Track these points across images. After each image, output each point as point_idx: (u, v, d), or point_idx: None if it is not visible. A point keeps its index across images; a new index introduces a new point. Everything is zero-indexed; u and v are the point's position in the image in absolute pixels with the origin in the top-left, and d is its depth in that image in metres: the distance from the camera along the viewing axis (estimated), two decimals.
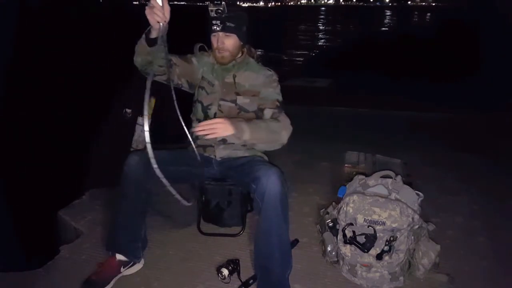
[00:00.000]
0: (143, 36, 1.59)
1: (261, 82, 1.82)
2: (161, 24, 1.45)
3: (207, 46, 1.88)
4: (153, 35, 1.54)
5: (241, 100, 1.82)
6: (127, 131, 2.78)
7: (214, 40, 1.77)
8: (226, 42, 1.76)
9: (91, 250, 1.93)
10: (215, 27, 1.72)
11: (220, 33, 1.74)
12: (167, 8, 1.43)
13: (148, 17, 1.44)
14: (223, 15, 1.70)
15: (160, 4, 1.42)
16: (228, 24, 1.72)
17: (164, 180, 1.40)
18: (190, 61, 1.85)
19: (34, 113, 5.18)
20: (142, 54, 1.64)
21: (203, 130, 1.54)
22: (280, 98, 1.80)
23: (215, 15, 1.70)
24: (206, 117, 1.83)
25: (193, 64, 1.86)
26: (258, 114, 1.81)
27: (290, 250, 1.69)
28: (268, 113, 1.76)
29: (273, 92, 1.80)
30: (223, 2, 1.71)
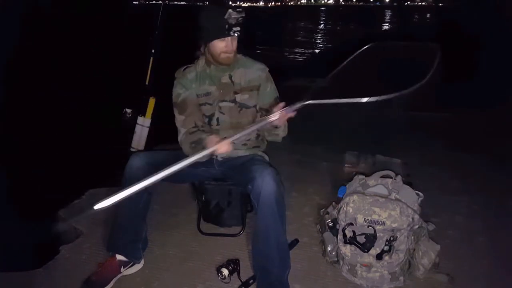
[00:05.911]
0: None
1: (257, 76, 1.83)
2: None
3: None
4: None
5: (239, 97, 1.81)
6: (127, 131, 2.78)
7: (222, 44, 1.71)
8: (234, 44, 1.74)
9: (91, 250, 1.93)
10: (235, 34, 1.68)
11: (231, 37, 1.71)
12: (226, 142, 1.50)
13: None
14: (240, 21, 1.68)
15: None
16: (240, 29, 1.70)
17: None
18: (190, 101, 1.80)
19: (34, 112, 5.17)
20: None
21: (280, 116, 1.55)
22: (277, 93, 1.87)
23: (234, 22, 1.67)
24: (210, 124, 1.82)
25: (191, 97, 1.82)
26: (257, 110, 1.83)
27: (288, 250, 1.69)
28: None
29: (272, 88, 1.86)
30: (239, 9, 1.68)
